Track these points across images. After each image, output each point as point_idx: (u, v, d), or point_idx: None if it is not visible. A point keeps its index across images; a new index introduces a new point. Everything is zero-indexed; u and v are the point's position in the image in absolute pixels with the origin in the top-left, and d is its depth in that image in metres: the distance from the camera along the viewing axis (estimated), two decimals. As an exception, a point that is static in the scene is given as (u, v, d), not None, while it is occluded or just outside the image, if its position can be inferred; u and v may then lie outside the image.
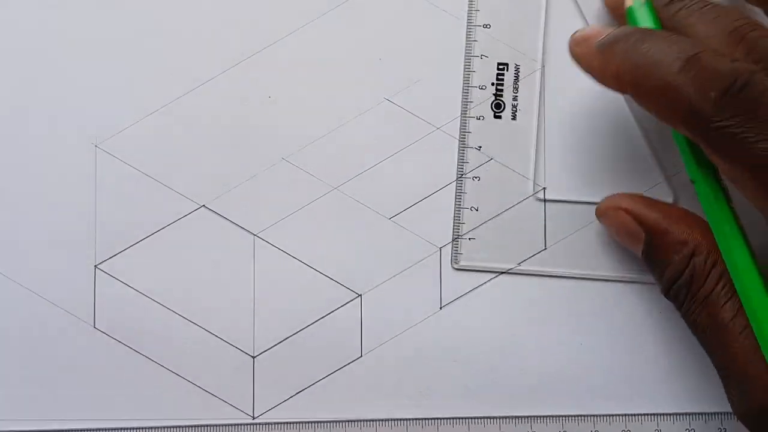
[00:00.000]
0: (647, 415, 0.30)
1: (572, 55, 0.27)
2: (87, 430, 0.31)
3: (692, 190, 0.26)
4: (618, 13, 0.28)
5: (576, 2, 0.30)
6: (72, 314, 0.31)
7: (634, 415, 0.30)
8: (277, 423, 0.31)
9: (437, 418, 0.31)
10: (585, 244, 0.31)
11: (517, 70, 0.30)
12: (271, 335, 0.31)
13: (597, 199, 0.30)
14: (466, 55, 0.31)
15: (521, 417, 0.30)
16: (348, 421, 0.31)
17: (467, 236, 0.30)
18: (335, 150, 0.31)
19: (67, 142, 0.31)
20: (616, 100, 0.30)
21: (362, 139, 0.31)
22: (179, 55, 0.31)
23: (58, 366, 0.31)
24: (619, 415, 0.30)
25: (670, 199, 0.30)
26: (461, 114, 0.31)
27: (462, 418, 0.30)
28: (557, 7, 0.31)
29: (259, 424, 0.31)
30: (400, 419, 0.30)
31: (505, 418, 0.30)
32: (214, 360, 0.31)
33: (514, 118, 0.30)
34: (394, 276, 0.31)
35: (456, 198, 0.31)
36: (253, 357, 0.31)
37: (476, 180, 0.30)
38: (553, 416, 0.30)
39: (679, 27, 0.26)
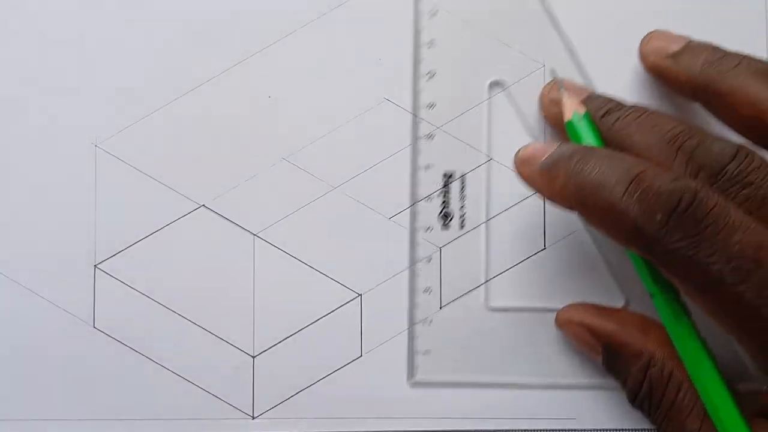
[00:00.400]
0: None
1: (518, 175, 0.27)
2: (87, 429, 0.31)
3: (644, 288, 0.26)
4: (558, 126, 0.28)
5: (517, 109, 0.31)
6: (72, 314, 0.31)
7: None
8: (277, 423, 0.31)
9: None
10: (542, 350, 0.30)
11: (463, 180, 0.30)
12: (271, 335, 0.31)
13: (550, 305, 0.30)
14: (412, 166, 0.31)
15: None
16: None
17: (422, 350, 0.30)
18: (335, 150, 0.31)
19: (67, 142, 0.31)
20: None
21: (362, 139, 0.31)
22: (179, 55, 0.31)
23: (58, 366, 0.31)
24: None
25: (621, 302, 0.30)
26: (410, 227, 0.30)
27: (462, 417, 0.30)
28: (500, 115, 0.31)
29: (259, 424, 0.31)
30: (399, 428, 0.31)
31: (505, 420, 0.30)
32: (214, 360, 0.31)
33: (462, 227, 0.30)
34: (394, 276, 0.31)
35: (409, 313, 0.30)
36: (253, 357, 0.31)
37: (428, 293, 0.30)
38: None
39: (617, 139, 0.26)
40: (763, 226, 0.23)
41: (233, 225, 0.31)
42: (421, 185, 0.30)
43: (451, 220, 0.30)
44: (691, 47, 0.28)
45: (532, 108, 0.31)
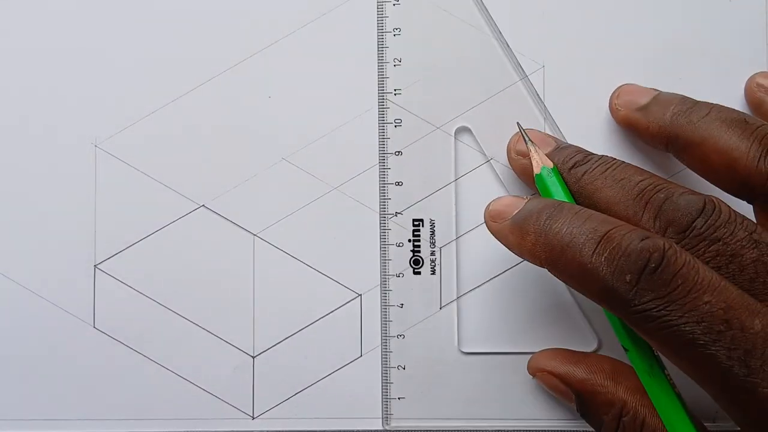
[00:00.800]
0: None
1: (489, 229, 0.27)
2: (87, 430, 0.31)
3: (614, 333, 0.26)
4: (526, 178, 0.28)
5: (484, 154, 0.31)
6: (72, 314, 0.31)
7: None
8: (277, 423, 0.31)
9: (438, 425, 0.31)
10: (516, 394, 0.30)
11: (432, 225, 0.30)
12: (271, 335, 0.31)
13: (523, 349, 0.30)
14: (381, 213, 0.31)
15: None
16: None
17: (396, 396, 0.30)
18: (335, 150, 0.31)
19: (67, 142, 0.31)
20: None
21: (362, 138, 0.31)
22: (179, 55, 0.31)
23: (58, 366, 0.31)
24: None
25: (594, 344, 0.30)
26: (380, 272, 0.31)
27: (464, 418, 0.30)
28: (466, 160, 0.31)
29: (259, 424, 0.31)
30: (399, 428, 0.31)
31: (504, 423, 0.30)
32: (214, 360, 0.31)
33: (433, 273, 0.30)
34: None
35: (382, 358, 0.30)
36: (253, 357, 0.31)
37: (401, 338, 0.30)
38: None
39: (586, 192, 0.26)
40: (731, 284, 0.22)
41: (233, 225, 0.31)
42: (391, 231, 0.31)
43: (421, 265, 0.30)
44: (660, 99, 0.28)
45: (499, 154, 0.31)
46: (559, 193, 0.26)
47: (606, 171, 0.26)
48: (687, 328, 0.22)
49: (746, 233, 0.23)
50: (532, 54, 0.31)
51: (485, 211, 0.27)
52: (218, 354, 0.31)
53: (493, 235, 0.27)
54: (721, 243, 0.23)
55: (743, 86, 0.31)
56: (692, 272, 0.22)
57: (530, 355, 0.30)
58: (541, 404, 0.30)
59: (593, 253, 0.23)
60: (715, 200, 0.24)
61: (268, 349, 0.31)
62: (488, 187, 0.31)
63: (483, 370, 0.30)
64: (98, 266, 0.31)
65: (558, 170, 0.27)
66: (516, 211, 0.26)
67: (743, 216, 0.24)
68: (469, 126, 0.31)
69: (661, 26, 0.31)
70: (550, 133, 0.30)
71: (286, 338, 0.31)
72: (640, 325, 0.23)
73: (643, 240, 0.22)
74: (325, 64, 0.31)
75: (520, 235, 0.25)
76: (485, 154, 0.31)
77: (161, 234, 0.31)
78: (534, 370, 0.29)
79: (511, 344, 0.30)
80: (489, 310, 0.31)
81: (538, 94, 0.31)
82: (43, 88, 0.31)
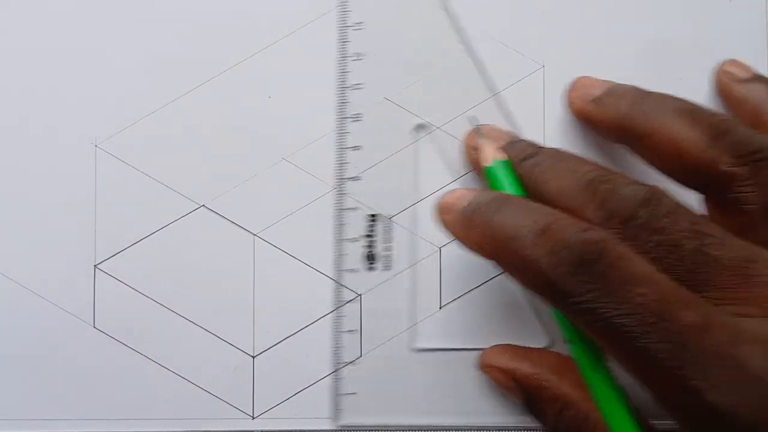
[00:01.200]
0: None
1: (439, 222, 0.27)
2: (87, 430, 0.31)
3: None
4: (481, 173, 0.28)
5: (442, 152, 0.31)
6: (72, 314, 0.31)
7: None
8: (277, 423, 0.31)
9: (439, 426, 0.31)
10: (468, 391, 0.30)
11: (388, 221, 0.30)
12: (271, 335, 0.31)
13: (476, 345, 0.30)
14: (336, 207, 0.31)
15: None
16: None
17: (348, 392, 0.30)
18: (335, 150, 0.31)
19: (67, 142, 0.31)
20: None
21: (362, 138, 0.31)
22: (179, 55, 0.31)
23: (58, 366, 0.31)
24: None
25: (545, 342, 0.30)
26: (334, 267, 0.31)
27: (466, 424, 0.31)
28: (426, 155, 0.31)
29: (259, 424, 0.31)
30: (399, 427, 0.31)
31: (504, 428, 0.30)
32: (214, 360, 0.31)
33: (387, 268, 0.30)
34: (394, 276, 0.31)
35: (334, 354, 0.30)
36: (253, 357, 0.31)
37: (353, 333, 0.30)
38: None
39: (535, 185, 0.26)
40: (667, 276, 0.22)
41: (233, 225, 0.31)
42: (346, 226, 0.31)
43: (375, 261, 0.30)
44: (614, 90, 0.28)
45: (457, 151, 0.31)
46: (508, 186, 0.26)
47: (555, 163, 0.26)
48: (620, 321, 0.21)
49: (688, 223, 0.23)
50: (532, 54, 0.31)
51: (437, 204, 0.27)
52: (218, 354, 0.31)
53: (443, 227, 0.27)
54: (662, 233, 0.23)
55: (743, 86, 0.31)
56: (628, 264, 0.22)
57: (479, 353, 0.30)
58: (494, 401, 0.30)
59: (534, 244, 0.23)
60: (660, 190, 0.24)
61: (268, 349, 0.31)
62: (447, 183, 0.31)
63: (436, 367, 0.30)
64: (98, 266, 0.31)
65: (509, 164, 0.27)
66: (465, 204, 0.26)
67: (688, 207, 0.24)
68: (429, 122, 0.31)
69: (660, 26, 0.31)
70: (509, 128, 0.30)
71: (286, 338, 0.31)
72: (577, 318, 0.23)
73: (582, 232, 0.22)
74: (324, 64, 0.31)
75: (468, 228, 0.25)
76: (444, 151, 0.31)
77: (161, 234, 0.31)
78: (482, 366, 0.29)
79: (465, 340, 0.30)
80: (443, 306, 0.31)
81: (495, 88, 0.31)
82: (43, 88, 0.31)
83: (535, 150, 0.27)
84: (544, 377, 0.27)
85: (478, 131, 0.28)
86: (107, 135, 0.31)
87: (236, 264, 0.31)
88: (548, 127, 0.31)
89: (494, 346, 0.29)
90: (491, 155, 0.27)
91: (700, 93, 0.30)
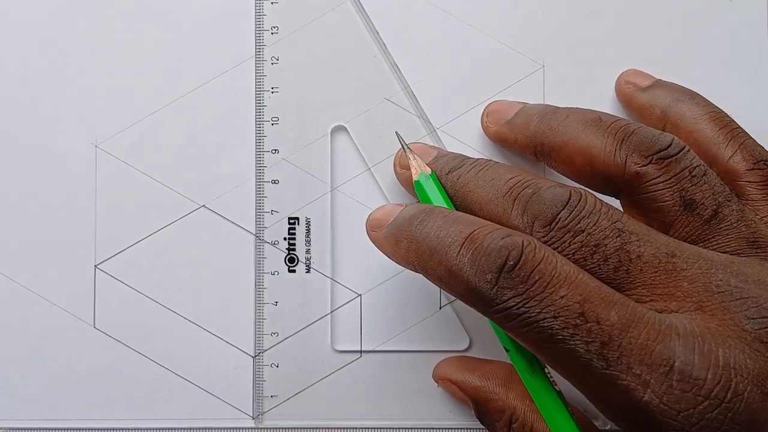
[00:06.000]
0: None
1: (370, 240, 0.27)
2: (87, 429, 0.31)
3: (488, 330, 0.26)
4: (412, 190, 0.28)
5: (361, 152, 0.31)
6: (72, 314, 0.31)
7: None
8: (277, 423, 0.31)
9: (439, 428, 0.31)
10: (386, 392, 0.31)
11: (308, 224, 0.31)
12: (271, 335, 0.31)
13: (396, 347, 0.30)
14: (257, 211, 0.31)
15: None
16: (348, 428, 0.31)
17: (269, 394, 0.30)
18: (335, 150, 0.31)
19: (68, 142, 0.31)
20: None
21: (362, 138, 0.31)
22: (179, 55, 0.31)
23: (58, 366, 0.31)
24: None
25: (466, 343, 0.31)
26: (255, 270, 0.31)
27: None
28: (343, 159, 0.31)
29: (259, 424, 0.31)
30: (399, 427, 0.31)
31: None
32: (214, 360, 0.31)
33: (308, 271, 0.31)
34: (394, 276, 0.31)
35: (255, 356, 0.31)
36: (253, 357, 0.31)
37: (275, 335, 0.30)
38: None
39: (461, 195, 0.26)
40: (590, 277, 0.22)
41: (233, 225, 0.31)
42: (267, 230, 0.31)
43: (296, 263, 0.31)
44: (524, 111, 0.29)
45: (376, 154, 0.31)
46: (435, 199, 0.26)
47: (479, 173, 0.26)
48: (545, 324, 0.22)
49: (609, 222, 0.23)
50: (532, 54, 0.31)
51: (366, 221, 0.27)
52: (218, 354, 0.31)
53: (373, 244, 0.27)
54: (585, 234, 0.23)
55: (744, 86, 0.31)
56: (549, 267, 0.22)
57: (402, 354, 0.30)
58: (412, 403, 0.30)
59: (457, 254, 0.23)
60: (582, 192, 0.24)
61: (268, 349, 0.31)
62: (365, 186, 0.31)
63: (356, 369, 0.31)
64: (98, 266, 0.31)
65: (436, 176, 0.27)
66: (391, 219, 0.26)
67: (609, 206, 0.24)
68: (346, 125, 0.31)
69: (661, 26, 0.31)
70: (434, 143, 0.30)
71: (286, 338, 0.31)
72: (504, 324, 0.22)
73: (503, 238, 0.22)
74: (324, 63, 0.31)
75: (395, 243, 0.25)
76: (362, 153, 0.31)
77: (161, 234, 0.31)
78: (436, 378, 0.30)
79: (385, 343, 0.31)
80: (363, 309, 0.31)
81: (415, 97, 0.31)
82: (44, 89, 0.31)
83: (460, 161, 0.27)
84: (491, 389, 0.27)
85: (402, 146, 0.28)
86: (107, 135, 0.31)
87: (236, 264, 0.31)
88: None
89: (448, 357, 0.30)
90: (418, 169, 0.27)
91: (700, 93, 0.30)
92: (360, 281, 0.31)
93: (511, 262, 0.22)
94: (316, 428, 0.31)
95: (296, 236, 0.31)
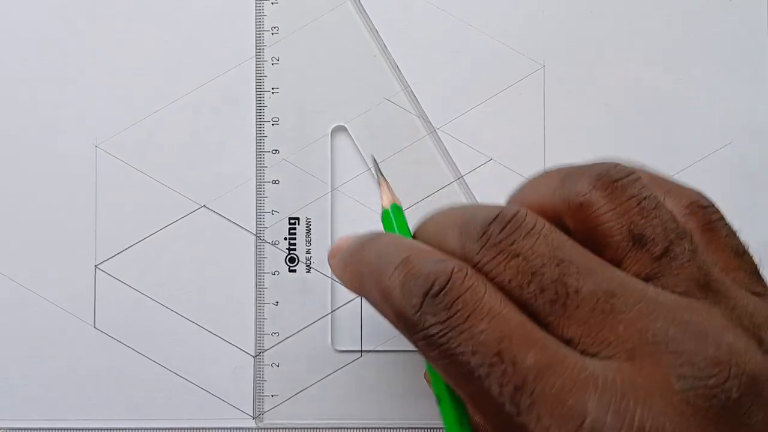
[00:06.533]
0: None
1: (330, 267, 0.26)
2: (87, 429, 0.31)
3: None
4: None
5: (360, 152, 0.31)
6: (72, 314, 0.31)
7: None
8: (277, 423, 0.31)
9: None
10: (389, 392, 0.31)
11: (308, 224, 0.31)
12: (271, 335, 0.31)
13: (397, 347, 0.31)
14: (257, 211, 0.31)
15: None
16: (349, 427, 0.31)
17: (270, 393, 0.31)
18: (335, 150, 0.31)
19: (68, 142, 0.31)
20: None
21: (362, 138, 0.31)
22: (180, 55, 0.31)
23: (58, 366, 0.31)
24: None
25: None
26: (256, 270, 0.31)
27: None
28: (343, 159, 0.31)
29: (259, 424, 0.31)
30: (400, 427, 0.31)
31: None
32: (214, 360, 0.31)
33: (308, 271, 0.31)
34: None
35: (256, 356, 0.31)
36: (253, 357, 0.31)
37: (275, 335, 0.31)
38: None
39: (420, 225, 0.24)
40: (515, 311, 0.20)
41: (233, 225, 0.31)
42: (267, 230, 0.31)
43: (297, 263, 0.31)
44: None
45: (375, 151, 0.31)
46: (397, 228, 0.26)
47: (444, 208, 0.24)
48: (463, 358, 0.20)
49: (549, 248, 0.21)
50: (532, 54, 0.31)
51: (329, 252, 0.26)
52: (218, 354, 0.31)
53: (332, 271, 0.26)
54: (521, 258, 0.21)
55: (743, 87, 0.31)
56: (475, 297, 0.20)
57: (402, 354, 0.30)
58: (412, 404, 0.30)
59: (390, 276, 0.22)
60: (519, 209, 0.22)
61: (268, 349, 0.31)
62: (365, 186, 0.31)
63: (356, 369, 0.31)
64: (99, 266, 0.31)
65: (400, 208, 0.26)
66: (346, 245, 0.25)
67: (552, 228, 0.21)
68: (346, 126, 0.31)
69: (661, 26, 0.31)
70: (434, 143, 0.30)
71: (287, 338, 0.31)
72: (425, 352, 0.21)
73: (436, 263, 0.21)
74: (325, 64, 0.31)
75: (343, 267, 0.24)
76: (362, 154, 0.31)
77: (162, 234, 0.31)
78: (426, 376, 0.29)
79: (385, 343, 0.31)
80: (363, 309, 0.31)
81: (416, 97, 0.31)
82: (44, 89, 0.31)
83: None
84: None
85: (379, 177, 0.28)
86: (107, 135, 0.31)
87: (236, 264, 0.31)
88: (548, 127, 0.31)
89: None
90: (387, 199, 0.27)
91: (699, 93, 0.30)
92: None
93: (437, 288, 0.20)
94: (317, 428, 0.31)
95: (297, 236, 0.31)
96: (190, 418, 0.31)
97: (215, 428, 0.31)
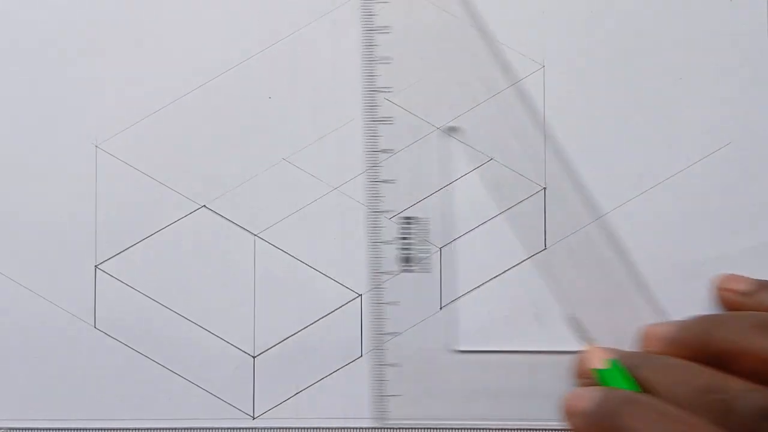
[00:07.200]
0: None
1: (568, 425, 0.26)
2: (87, 429, 0.31)
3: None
4: (585, 378, 0.27)
5: (474, 151, 0.31)
6: (72, 314, 0.31)
7: None
8: (277, 423, 0.31)
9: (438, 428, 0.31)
10: (511, 393, 0.30)
11: (423, 223, 0.31)
12: (271, 335, 0.31)
13: (518, 347, 0.30)
14: (370, 211, 0.31)
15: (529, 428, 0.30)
16: (468, 428, 0.31)
17: (391, 394, 0.30)
18: (335, 150, 0.31)
19: (67, 142, 0.31)
20: (520, 247, 0.31)
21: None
22: (179, 55, 0.31)
23: (58, 366, 0.31)
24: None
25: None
26: (373, 270, 0.31)
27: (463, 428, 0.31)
28: (459, 158, 0.31)
29: (259, 424, 0.31)
30: (399, 427, 0.31)
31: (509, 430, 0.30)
32: (214, 360, 0.31)
33: (427, 271, 0.31)
34: (394, 276, 0.31)
35: (376, 355, 0.31)
36: (253, 357, 0.31)
37: (396, 336, 0.30)
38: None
39: (647, 388, 0.25)
40: None
41: (233, 225, 0.31)
42: (384, 229, 0.31)
43: (411, 263, 0.31)
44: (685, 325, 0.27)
45: (489, 150, 0.31)
46: (626, 384, 0.25)
47: (665, 370, 0.25)
48: None
49: None
50: (532, 54, 0.31)
51: (561, 405, 0.26)
52: (218, 354, 0.31)
53: (571, 430, 0.26)
54: None
55: (743, 87, 0.30)
56: None
57: (525, 354, 0.30)
58: (536, 404, 0.30)
59: None
60: None
61: (268, 349, 0.31)
62: (478, 185, 0.31)
63: (479, 369, 0.30)
64: (99, 266, 0.31)
65: (619, 363, 0.26)
66: (592, 407, 0.25)
67: None
68: (461, 125, 0.31)
69: (661, 26, 0.31)
70: (543, 145, 0.30)
71: (286, 338, 0.31)
72: None
73: None
74: (324, 64, 0.31)
75: (603, 431, 0.24)
76: (479, 153, 0.31)
77: (162, 234, 0.31)
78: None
79: (507, 343, 0.30)
80: (484, 308, 0.31)
81: (527, 94, 0.30)
82: (44, 88, 0.31)
83: (643, 358, 0.26)
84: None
85: (585, 338, 0.28)
86: (107, 135, 0.31)
87: (236, 264, 0.31)
88: (548, 127, 0.31)
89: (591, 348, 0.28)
90: (602, 356, 0.27)
91: (699, 93, 0.30)
92: (481, 281, 0.31)
93: None
94: (439, 428, 0.30)
95: (411, 236, 0.31)
96: (190, 418, 0.31)
97: (215, 428, 0.31)
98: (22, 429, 0.31)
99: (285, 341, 0.31)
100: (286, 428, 0.31)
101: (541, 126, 0.31)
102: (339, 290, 0.31)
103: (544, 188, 0.30)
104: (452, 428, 0.30)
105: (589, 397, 0.25)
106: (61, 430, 0.31)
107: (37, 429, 0.31)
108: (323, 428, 0.31)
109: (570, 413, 0.26)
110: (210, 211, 0.31)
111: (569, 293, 0.30)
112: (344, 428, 0.31)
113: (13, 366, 0.31)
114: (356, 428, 0.31)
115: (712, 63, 0.31)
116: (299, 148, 0.31)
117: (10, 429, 0.31)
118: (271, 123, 0.31)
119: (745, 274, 0.29)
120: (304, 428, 0.31)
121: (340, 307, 0.31)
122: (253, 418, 0.31)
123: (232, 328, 0.31)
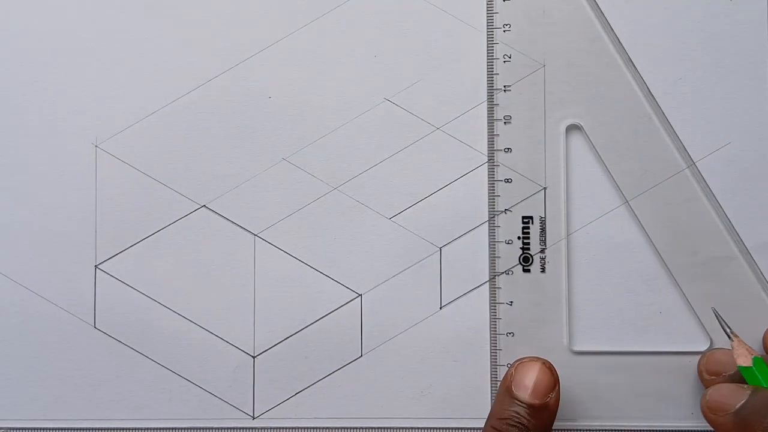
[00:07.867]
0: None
1: (707, 421, 0.26)
2: (87, 429, 0.31)
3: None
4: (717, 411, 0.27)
5: (595, 151, 0.31)
6: (72, 314, 0.31)
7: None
8: (277, 423, 0.31)
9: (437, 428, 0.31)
10: (624, 393, 0.30)
11: (542, 222, 0.30)
12: (271, 335, 0.31)
13: (632, 348, 0.30)
14: (489, 210, 0.30)
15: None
16: (348, 427, 0.31)
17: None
18: (335, 150, 0.31)
19: (67, 142, 0.31)
20: (643, 245, 0.30)
21: (362, 139, 0.31)
22: (179, 55, 0.31)
23: (58, 366, 0.31)
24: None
25: (706, 344, 0.30)
26: (489, 270, 0.30)
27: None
28: (577, 157, 0.31)
29: (259, 424, 0.31)
30: (399, 427, 0.31)
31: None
32: (214, 360, 0.31)
33: (543, 271, 0.30)
34: (394, 276, 0.31)
35: (491, 354, 0.30)
36: (253, 357, 0.31)
37: (510, 336, 0.30)
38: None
39: None
40: None
41: (233, 225, 0.31)
42: (500, 229, 0.30)
43: (531, 263, 0.30)
44: (751, 404, 0.27)
45: (610, 151, 0.30)
46: (762, 382, 0.26)
47: None
48: None
49: None
50: (532, 54, 0.31)
51: (703, 399, 0.26)
52: (218, 354, 0.31)
53: (713, 427, 0.26)
54: None
55: (743, 87, 0.30)
56: None
57: (639, 356, 0.30)
58: (650, 406, 0.30)
59: None
60: None
61: (268, 349, 0.31)
62: (599, 186, 0.30)
63: (593, 370, 0.30)
64: (99, 266, 0.31)
65: (762, 361, 0.26)
66: (739, 405, 0.25)
67: None
68: (581, 123, 0.30)
69: (661, 26, 0.31)
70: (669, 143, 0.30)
71: (286, 338, 0.31)
72: None
73: None
74: (324, 63, 0.31)
75: (743, 428, 0.25)
76: (597, 153, 0.30)
77: (162, 234, 0.31)
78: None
79: (621, 344, 0.30)
80: (600, 309, 0.30)
81: (652, 94, 0.30)
82: (44, 89, 0.31)
83: None
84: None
85: (730, 334, 0.28)
86: (107, 135, 0.31)
87: (236, 264, 0.31)
88: (548, 127, 0.31)
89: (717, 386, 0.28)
90: (747, 355, 0.27)
91: (699, 93, 0.30)
92: (597, 282, 0.30)
93: None
94: (558, 429, 0.30)
95: (530, 235, 0.30)
96: (190, 418, 0.31)
97: (215, 428, 0.31)
98: (22, 429, 0.31)
99: (285, 341, 0.31)
100: (286, 428, 0.31)
101: (664, 121, 0.30)
102: (339, 290, 0.31)
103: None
104: (564, 429, 0.30)
105: (735, 395, 0.25)
106: (61, 430, 0.31)
107: (37, 429, 0.31)
108: (323, 428, 0.31)
109: (714, 410, 0.26)
110: (210, 211, 0.31)
111: (694, 293, 0.30)
112: (344, 428, 0.31)
113: (13, 366, 0.31)
114: (356, 428, 0.31)
115: (712, 63, 0.31)
116: (299, 148, 0.31)
117: (10, 429, 0.31)
118: (271, 123, 0.31)
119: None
120: (304, 428, 0.31)
121: (340, 307, 0.31)
122: (253, 418, 0.31)
123: (232, 328, 0.31)
